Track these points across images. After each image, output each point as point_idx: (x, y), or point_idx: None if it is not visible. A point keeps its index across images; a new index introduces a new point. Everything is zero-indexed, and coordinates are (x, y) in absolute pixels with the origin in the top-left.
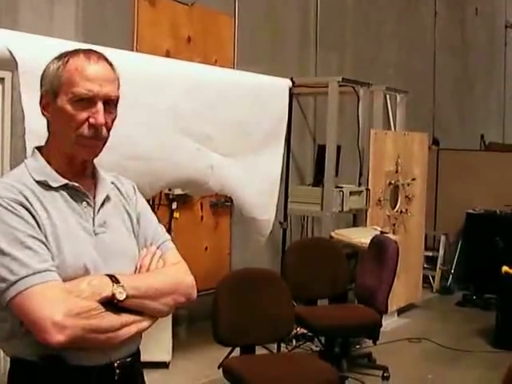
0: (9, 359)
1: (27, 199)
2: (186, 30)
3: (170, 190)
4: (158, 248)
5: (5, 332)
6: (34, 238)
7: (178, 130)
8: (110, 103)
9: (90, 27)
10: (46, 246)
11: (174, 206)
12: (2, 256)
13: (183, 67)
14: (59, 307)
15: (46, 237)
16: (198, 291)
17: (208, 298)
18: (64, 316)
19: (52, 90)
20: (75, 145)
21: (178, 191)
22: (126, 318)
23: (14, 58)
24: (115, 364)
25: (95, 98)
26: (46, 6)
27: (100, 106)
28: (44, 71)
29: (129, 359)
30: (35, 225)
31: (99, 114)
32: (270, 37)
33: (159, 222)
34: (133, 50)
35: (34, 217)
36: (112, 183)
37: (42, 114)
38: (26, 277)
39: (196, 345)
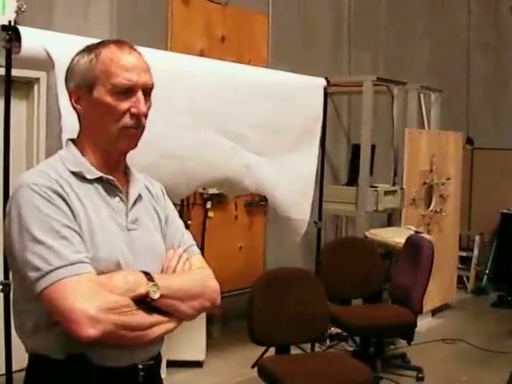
0: (25, 355)
1: (63, 188)
2: (220, 29)
3: (204, 189)
4: (184, 251)
5: (29, 326)
6: (69, 228)
7: (212, 129)
8: (147, 92)
9: (124, 26)
10: (80, 236)
11: (209, 205)
12: (36, 244)
13: (217, 66)
14: (93, 301)
15: (80, 228)
16: (231, 290)
17: (242, 297)
18: (98, 310)
19: (85, 84)
20: (117, 136)
21: (212, 190)
22: (155, 317)
23: (50, 58)
24: (139, 366)
25: (135, 88)
26: (80, 6)
27: (140, 94)
28: (71, 66)
29: (152, 362)
30: (70, 215)
31: (140, 103)
32: (303, 36)
33: (193, 220)
34: (166, 49)
35: (69, 207)
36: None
37: (74, 108)
38: (60, 267)
39: (230, 344)
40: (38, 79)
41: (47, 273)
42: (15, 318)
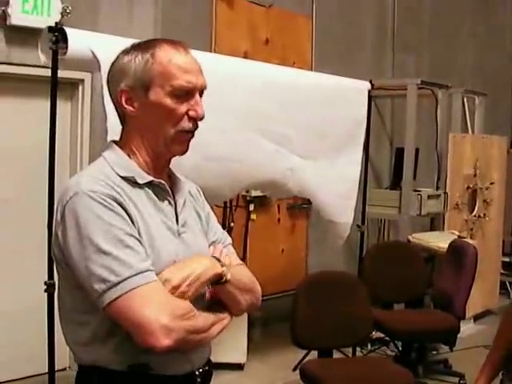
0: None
1: (120, 195)
2: (264, 31)
3: (247, 191)
4: (224, 248)
5: (85, 337)
6: (131, 235)
7: (256, 132)
8: (201, 94)
9: (168, 28)
10: (141, 244)
11: (252, 207)
12: (101, 255)
13: (262, 68)
14: (164, 309)
15: (139, 235)
16: (274, 293)
17: (283, 300)
18: (170, 318)
19: (141, 84)
20: (172, 140)
21: (255, 193)
22: (213, 316)
23: (96, 59)
24: (197, 372)
25: (194, 90)
26: (125, 8)
27: (198, 97)
28: (119, 65)
29: (207, 367)
30: (130, 222)
31: (199, 106)
32: (346, 38)
33: (236, 223)
34: (211, 51)
35: (128, 214)
36: None
37: (123, 109)
38: (129, 277)
39: (271, 347)
40: (82, 80)
41: (116, 284)
42: (65, 329)
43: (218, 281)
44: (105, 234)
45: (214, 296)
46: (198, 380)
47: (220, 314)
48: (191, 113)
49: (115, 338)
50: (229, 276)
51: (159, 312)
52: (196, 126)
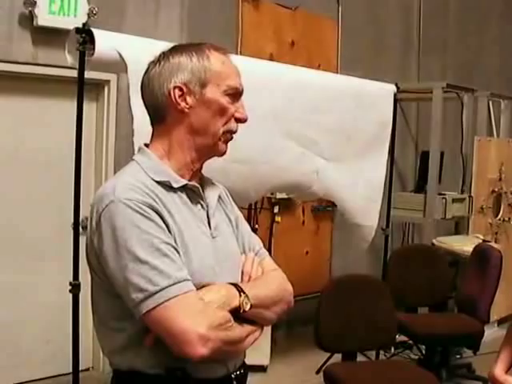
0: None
1: (156, 202)
2: (290, 33)
3: (272, 193)
4: (256, 255)
5: (119, 342)
6: (168, 244)
7: (282, 134)
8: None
9: (195, 29)
10: (178, 252)
11: (276, 209)
12: (139, 264)
13: (288, 70)
14: (202, 319)
15: (175, 242)
16: (297, 295)
17: (307, 303)
18: (208, 328)
19: (199, 81)
20: (218, 139)
21: (280, 195)
22: (248, 328)
23: (123, 60)
24: (232, 375)
25: (241, 93)
26: (151, 10)
27: (242, 100)
28: (171, 63)
29: (242, 370)
30: (166, 230)
31: (244, 109)
32: (372, 41)
33: (260, 225)
34: (237, 53)
35: (164, 221)
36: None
37: (173, 105)
38: (166, 287)
39: (294, 349)
40: (108, 81)
41: (153, 293)
42: (100, 334)
43: (237, 311)
44: (142, 243)
45: None
46: (234, 383)
47: (252, 325)
48: (238, 114)
49: (154, 344)
50: (248, 307)
51: (196, 321)
52: (237, 129)
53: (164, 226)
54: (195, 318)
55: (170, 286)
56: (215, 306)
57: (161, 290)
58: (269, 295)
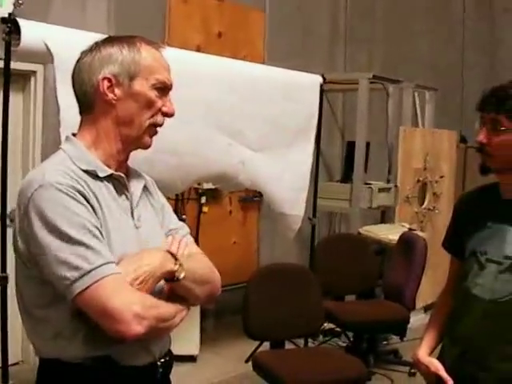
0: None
1: (84, 188)
2: (217, 25)
3: (199, 184)
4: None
5: (49, 333)
6: (97, 228)
7: (209, 125)
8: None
9: (122, 20)
10: (103, 237)
11: (203, 200)
12: (73, 244)
13: (215, 62)
14: (136, 298)
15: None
16: (226, 285)
17: (236, 292)
18: (142, 307)
19: (128, 74)
20: (144, 132)
21: (207, 185)
22: (176, 306)
23: (49, 51)
24: (158, 363)
25: (169, 88)
26: (79, 0)
27: (170, 95)
28: (101, 55)
29: (167, 358)
30: (94, 215)
31: (171, 103)
32: (299, 32)
33: (188, 215)
34: (163, 44)
35: (92, 206)
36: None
37: (101, 96)
38: (102, 265)
39: (223, 339)
40: (34, 72)
41: (89, 271)
42: (27, 324)
43: (171, 278)
44: (73, 224)
45: (171, 288)
46: (160, 370)
47: (179, 305)
48: (165, 108)
49: (81, 332)
50: (182, 274)
51: (130, 301)
52: (163, 123)
53: (92, 210)
54: (129, 297)
55: (104, 264)
56: (150, 267)
57: (97, 268)
58: (199, 272)
